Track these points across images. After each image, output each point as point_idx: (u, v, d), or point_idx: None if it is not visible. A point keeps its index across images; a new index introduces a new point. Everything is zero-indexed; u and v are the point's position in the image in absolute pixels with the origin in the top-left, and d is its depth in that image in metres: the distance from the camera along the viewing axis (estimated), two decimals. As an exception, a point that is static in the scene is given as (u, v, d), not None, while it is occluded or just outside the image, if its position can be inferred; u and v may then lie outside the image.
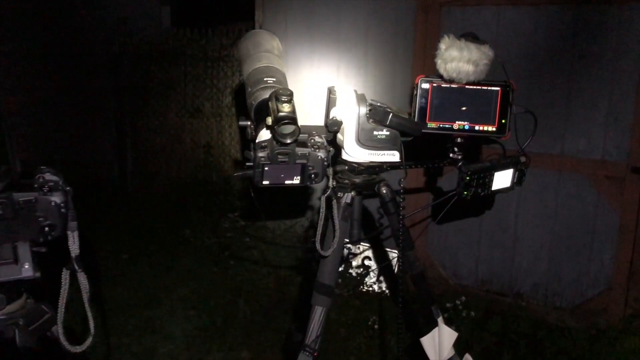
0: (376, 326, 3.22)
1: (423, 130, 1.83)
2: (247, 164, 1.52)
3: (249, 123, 1.69)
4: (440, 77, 1.85)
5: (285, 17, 4.16)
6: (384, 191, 1.83)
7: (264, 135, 1.55)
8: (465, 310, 3.25)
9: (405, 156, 1.78)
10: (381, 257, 3.25)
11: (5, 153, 0.92)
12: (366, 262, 3.47)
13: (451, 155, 1.94)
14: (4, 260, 1.11)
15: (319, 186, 1.62)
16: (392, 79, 3.68)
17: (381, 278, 3.49)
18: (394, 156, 1.77)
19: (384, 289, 3.57)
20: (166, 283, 3.89)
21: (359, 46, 3.82)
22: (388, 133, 1.74)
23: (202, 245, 4.41)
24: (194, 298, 3.70)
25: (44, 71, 5.54)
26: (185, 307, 3.59)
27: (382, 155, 1.75)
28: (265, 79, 1.66)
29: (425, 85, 1.88)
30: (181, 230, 4.61)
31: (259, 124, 1.61)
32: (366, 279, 3.53)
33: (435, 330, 1.89)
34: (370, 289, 3.57)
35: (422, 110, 1.89)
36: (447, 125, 1.91)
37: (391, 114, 1.70)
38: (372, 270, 3.42)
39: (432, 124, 1.90)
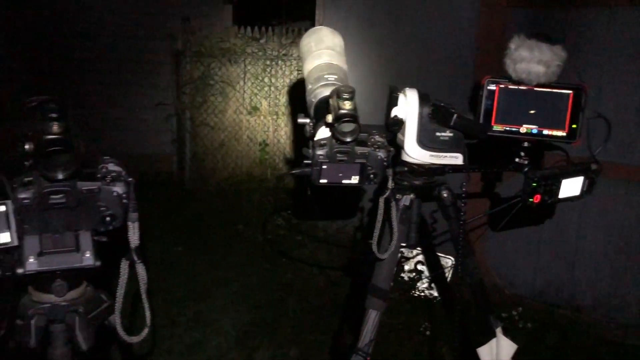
0: (427, 332, 3.15)
1: (488, 133, 1.76)
2: (305, 161, 1.50)
3: (307, 120, 1.67)
4: (509, 78, 1.76)
5: (346, 15, 4.14)
6: (445, 195, 1.76)
7: (323, 133, 1.53)
8: (521, 321, 3.12)
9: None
10: (434, 263, 3.17)
11: (72, 143, 0.95)
12: (419, 267, 3.39)
13: (517, 160, 1.85)
14: (66, 248, 1.13)
15: (371, 187, 1.57)
16: (453, 78, 3.58)
17: (433, 284, 3.41)
18: (456, 159, 1.70)
19: (435, 294, 3.48)
20: (217, 277, 3.94)
21: (419, 44, 3.74)
22: (451, 134, 1.68)
23: (254, 242, 4.44)
24: (244, 293, 3.73)
25: (107, 67, 5.74)
26: (236, 302, 3.62)
27: (444, 157, 1.70)
28: (326, 76, 1.63)
29: (492, 87, 1.80)
30: (234, 225, 4.66)
31: (319, 121, 1.58)
32: (418, 284, 3.45)
33: (494, 341, 1.81)
34: (422, 294, 3.49)
35: (488, 112, 1.81)
36: (513, 129, 1.82)
37: (455, 115, 1.64)
38: (426, 277, 3.34)
39: (497, 127, 1.82)
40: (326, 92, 1.59)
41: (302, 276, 3.91)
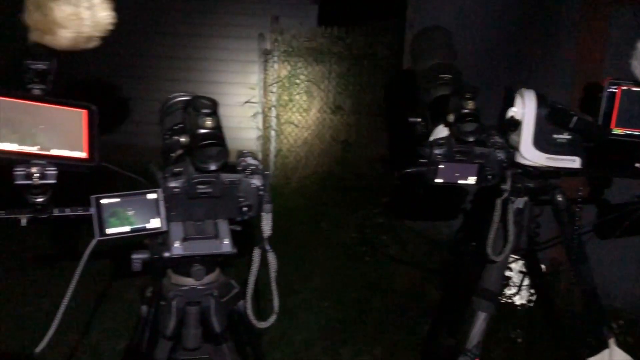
0: (519, 340, 3.06)
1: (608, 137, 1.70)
2: (420, 160, 1.51)
3: (419, 120, 1.68)
4: (635, 80, 1.69)
5: (437, 14, 4.09)
6: (560, 199, 1.72)
7: (441, 132, 1.53)
8: (621, 335, 2.97)
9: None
10: (534, 268, 3.07)
11: (224, 137, 1.02)
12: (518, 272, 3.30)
13: (637, 165, 1.77)
14: (206, 235, 1.21)
15: (472, 188, 1.56)
16: (552, 79, 3.46)
17: (532, 290, 3.30)
18: (573, 162, 1.65)
19: (530, 300, 3.37)
20: (302, 273, 4.01)
21: (517, 44, 3.63)
22: (569, 137, 1.64)
23: (338, 239, 4.49)
24: (328, 291, 3.77)
25: (200, 66, 5.98)
26: (320, 298, 3.67)
27: (561, 160, 1.65)
28: (441, 76, 1.64)
29: (613, 88, 1.73)
30: (318, 222, 4.73)
31: (434, 120, 1.59)
32: (513, 290, 3.36)
33: (606, 352, 1.75)
34: (515, 300, 3.40)
35: (608, 114, 1.74)
36: (636, 133, 1.74)
37: (575, 117, 1.60)
38: (524, 285, 3.25)
39: (617, 131, 1.74)
40: (441, 91, 1.59)
41: (387, 276, 3.91)
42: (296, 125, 5.84)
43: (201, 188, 1.14)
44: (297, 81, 5.75)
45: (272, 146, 5.82)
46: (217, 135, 1.07)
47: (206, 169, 1.09)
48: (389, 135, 5.16)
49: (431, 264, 3.91)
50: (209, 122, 1.06)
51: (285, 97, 5.81)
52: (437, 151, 1.46)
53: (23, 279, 3.64)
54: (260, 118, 5.89)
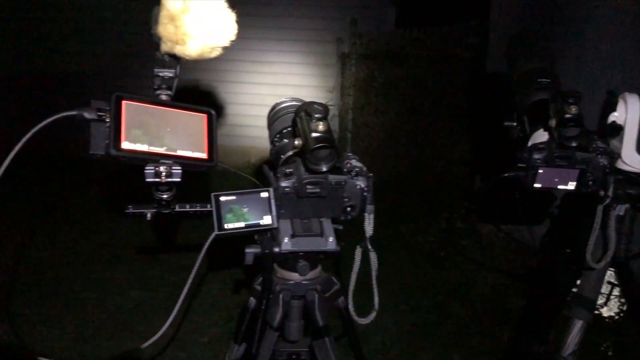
0: (610, 353, 2.95)
1: None
2: (519, 164, 1.51)
3: (515, 124, 1.68)
4: None
5: (522, 14, 4.00)
6: (662, 207, 1.66)
7: (540, 136, 1.52)
8: None
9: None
10: (627, 278, 2.94)
11: (334, 140, 1.06)
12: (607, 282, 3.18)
13: None
14: (312, 232, 1.27)
15: (559, 193, 1.53)
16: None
17: (610, 302, 3.17)
18: (679, 169, 1.59)
19: (620, 312, 3.23)
20: (380, 275, 4.02)
21: (609, 43, 3.48)
22: (676, 143, 1.58)
23: (417, 243, 4.48)
24: (407, 294, 3.77)
25: (280, 70, 6.13)
26: (397, 301, 3.68)
27: (665, 167, 1.59)
28: (539, 80, 1.63)
29: None
30: (397, 225, 4.73)
31: (532, 124, 1.58)
32: (601, 300, 3.23)
33: None
34: (603, 311, 3.27)
35: None
36: None
37: (683, 122, 1.54)
38: (613, 295, 3.12)
39: None
40: (540, 95, 1.58)
41: (467, 281, 3.86)
42: (372, 128, 5.87)
43: (310, 188, 1.20)
44: (374, 84, 5.78)
45: (349, 148, 5.88)
46: (329, 138, 1.13)
47: (318, 170, 1.15)
48: (472, 138, 5.08)
49: (514, 270, 3.82)
50: (321, 126, 1.12)
51: (362, 100, 5.85)
52: (536, 156, 1.45)
53: (118, 269, 3.91)
54: (336, 121, 5.97)
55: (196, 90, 5.76)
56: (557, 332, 2.17)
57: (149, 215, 1.26)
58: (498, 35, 4.18)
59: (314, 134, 1.12)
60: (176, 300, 1.23)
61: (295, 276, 1.32)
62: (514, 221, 3.96)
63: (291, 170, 1.23)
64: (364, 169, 1.27)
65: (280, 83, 6.04)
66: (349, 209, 1.28)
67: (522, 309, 3.32)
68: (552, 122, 1.40)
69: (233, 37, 1.16)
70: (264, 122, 1.53)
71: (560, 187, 1.49)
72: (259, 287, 1.35)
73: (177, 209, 1.26)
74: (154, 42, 1.16)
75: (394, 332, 3.32)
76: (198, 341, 3.09)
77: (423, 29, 5.53)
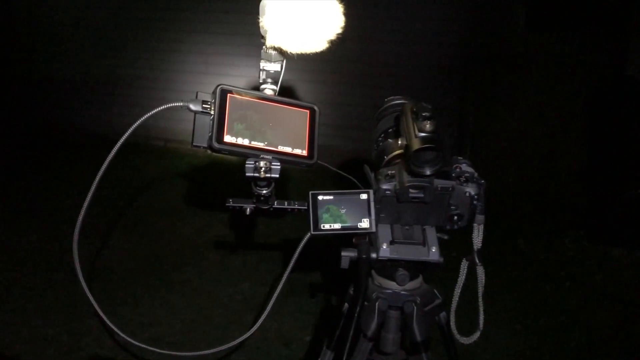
0: None
1: None
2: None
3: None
4: None
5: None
6: None
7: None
8: None
9: None
10: None
11: (443, 142, 0.99)
12: None
13: None
14: (414, 240, 1.19)
15: None
16: None
17: None
18: None
19: None
20: (493, 290, 3.79)
21: None
22: None
23: (535, 259, 4.16)
24: (522, 313, 3.51)
25: (400, 73, 6.03)
26: (512, 320, 3.43)
27: None
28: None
29: None
30: (514, 238, 4.44)
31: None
32: None
33: None
34: None
35: None
36: None
37: None
38: None
39: None
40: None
41: (590, 305, 3.51)
42: (495, 135, 5.56)
43: (413, 192, 1.12)
44: (498, 88, 5.48)
45: (467, 156, 5.62)
46: (435, 139, 1.03)
47: (421, 174, 1.06)
48: (601, 148, 4.63)
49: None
50: (428, 126, 1.03)
51: (485, 105, 5.57)
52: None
53: (232, 259, 4.06)
54: (455, 125, 5.73)
55: (297, 91, 5.85)
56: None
57: (248, 210, 1.25)
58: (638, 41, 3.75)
59: (420, 134, 1.03)
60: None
61: (393, 285, 1.24)
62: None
63: (393, 172, 1.15)
64: (475, 174, 1.15)
65: (397, 85, 5.93)
66: (455, 217, 1.17)
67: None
68: None
69: (340, 30, 1.11)
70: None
71: None
72: (352, 293, 1.29)
73: (276, 205, 1.23)
74: (260, 34, 1.14)
75: (505, 353, 3.10)
76: (303, 338, 3.10)
77: (554, 33, 5.14)
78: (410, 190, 1.12)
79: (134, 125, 1.11)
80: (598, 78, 4.90)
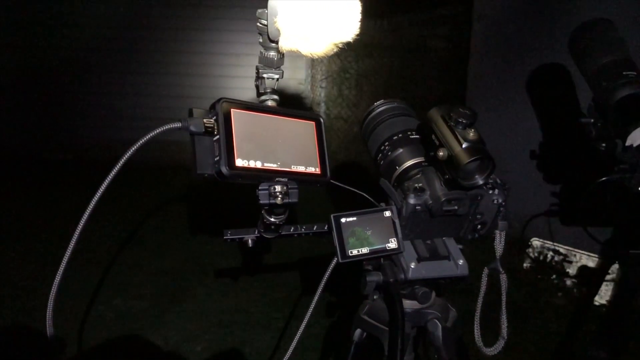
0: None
1: None
2: (621, 166, 1.40)
3: (592, 120, 1.58)
4: None
5: (509, 2, 3.96)
6: None
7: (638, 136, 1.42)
8: None
9: None
10: None
11: (486, 150, 0.91)
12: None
13: None
14: (439, 255, 1.10)
15: None
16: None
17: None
18: None
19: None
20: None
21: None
22: None
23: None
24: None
25: (240, 62, 5.85)
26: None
27: None
28: (624, 73, 1.52)
29: None
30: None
31: (624, 122, 1.47)
32: None
33: None
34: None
35: None
36: None
37: None
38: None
39: None
40: (628, 90, 1.48)
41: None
42: (345, 121, 5.72)
43: (447, 206, 1.03)
44: (347, 75, 5.64)
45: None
46: (483, 148, 0.96)
47: (473, 185, 0.97)
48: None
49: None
50: (472, 134, 0.95)
51: (335, 93, 5.70)
52: (645, 156, 1.34)
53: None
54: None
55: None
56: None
57: (250, 241, 1.06)
58: (484, 25, 4.11)
59: (465, 144, 0.95)
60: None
61: (412, 304, 1.15)
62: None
63: (421, 185, 1.04)
64: (498, 180, 1.10)
65: (242, 75, 5.78)
66: (479, 226, 1.11)
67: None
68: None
69: (357, 32, 0.97)
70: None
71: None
72: (367, 318, 1.17)
73: (289, 231, 1.06)
74: (267, 37, 0.95)
75: None
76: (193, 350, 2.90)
77: (396, 19, 5.41)
78: (446, 203, 1.03)
79: (128, 153, 0.84)
80: (440, 63, 5.25)
